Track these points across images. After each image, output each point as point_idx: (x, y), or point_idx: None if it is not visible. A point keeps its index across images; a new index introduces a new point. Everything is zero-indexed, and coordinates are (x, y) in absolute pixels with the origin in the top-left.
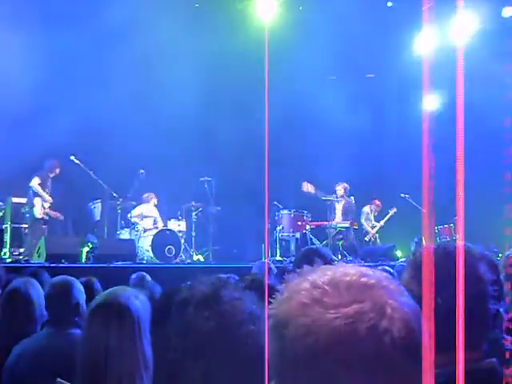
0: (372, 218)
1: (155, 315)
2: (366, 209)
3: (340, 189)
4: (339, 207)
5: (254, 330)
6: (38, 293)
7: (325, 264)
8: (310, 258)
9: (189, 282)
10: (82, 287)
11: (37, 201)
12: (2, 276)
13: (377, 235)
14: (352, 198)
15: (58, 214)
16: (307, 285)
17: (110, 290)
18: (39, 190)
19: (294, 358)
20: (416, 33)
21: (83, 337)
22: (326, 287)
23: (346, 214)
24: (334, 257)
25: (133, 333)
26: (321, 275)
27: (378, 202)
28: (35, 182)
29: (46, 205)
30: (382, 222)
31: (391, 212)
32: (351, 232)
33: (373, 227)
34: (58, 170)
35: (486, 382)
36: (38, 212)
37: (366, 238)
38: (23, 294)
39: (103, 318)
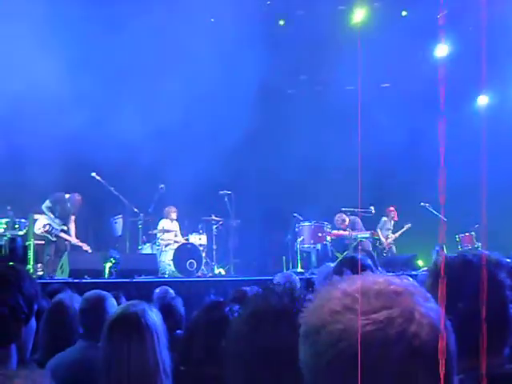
0: (391, 226)
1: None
2: (384, 218)
3: (342, 220)
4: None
5: None
6: None
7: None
8: (348, 266)
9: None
10: (114, 301)
11: (40, 219)
12: (39, 292)
13: (392, 245)
14: (372, 207)
15: (84, 245)
16: (338, 293)
17: (124, 304)
18: (46, 211)
19: (328, 364)
20: (431, 41)
21: (105, 349)
22: (356, 295)
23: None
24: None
25: (152, 342)
26: (351, 284)
27: (392, 209)
28: (45, 204)
29: (58, 226)
30: (396, 234)
31: (406, 227)
32: (368, 242)
33: (387, 238)
34: (73, 203)
35: None
36: (36, 228)
37: (381, 247)
38: (68, 307)
39: (124, 330)
